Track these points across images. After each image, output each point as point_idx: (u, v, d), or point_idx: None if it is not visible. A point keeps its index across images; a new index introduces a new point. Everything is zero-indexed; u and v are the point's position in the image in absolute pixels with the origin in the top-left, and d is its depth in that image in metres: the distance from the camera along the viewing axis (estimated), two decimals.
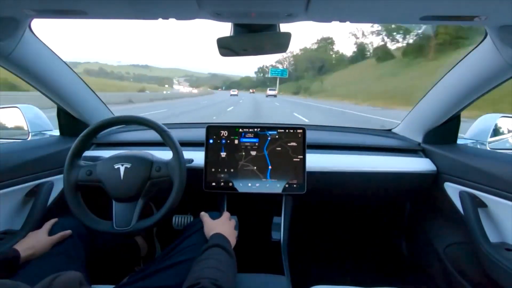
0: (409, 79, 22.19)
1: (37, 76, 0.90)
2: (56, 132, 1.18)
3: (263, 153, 1.01)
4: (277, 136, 1.02)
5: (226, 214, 0.85)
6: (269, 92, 37.64)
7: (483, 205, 0.87)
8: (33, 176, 0.91)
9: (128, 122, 0.92)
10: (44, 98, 1.00)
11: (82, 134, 0.86)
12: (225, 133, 1.02)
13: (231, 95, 40.67)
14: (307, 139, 1.02)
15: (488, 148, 1.12)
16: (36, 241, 0.73)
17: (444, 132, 1.09)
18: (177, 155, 0.84)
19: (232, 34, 0.72)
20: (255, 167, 1.01)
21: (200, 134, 1.05)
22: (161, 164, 0.86)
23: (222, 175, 1.01)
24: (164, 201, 0.84)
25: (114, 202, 0.85)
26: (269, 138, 1.02)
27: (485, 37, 0.76)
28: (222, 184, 1.01)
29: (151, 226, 0.83)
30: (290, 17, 0.62)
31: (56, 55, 0.93)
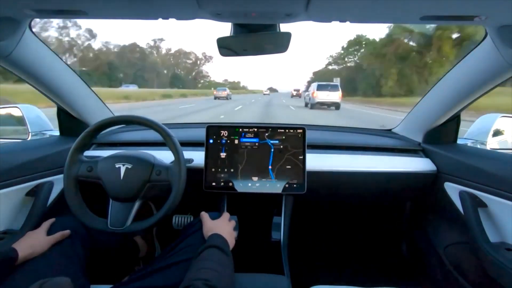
0: None
1: (37, 76, 0.90)
2: (56, 132, 1.18)
3: (263, 153, 1.01)
4: (277, 136, 1.02)
5: (225, 215, 0.85)
6: (265, 92, 51.95)
7: (483, 205, 0.87)
8: (33, 176, 0.91)
9: (132, 122, 0.91)
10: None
11: (86, 130, 0.85)
12: (225, 133, 1.02)
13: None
14: (307, 139, 1.02)
15: (488, 148, 1.12)
16: (34, 241, 0.73)
17: (444, 132, 1.09)
18: (178, 160, 0.84)
19: (232, 34, 0.72)
20: (255, 167, 1.01)
21: (200, 134, 1.05)
22: (161, 168, 0.85)
23: (222, 175, 1.01)
24: (164, 202, 0.83)
25: (111, 201, 0.84)
26: (269, 138, 1.02)
27: (485, 37, 0.76)
28: (222, 184, 1.01)
29: (145, 229, 0.83)
30: (290, 17, 0.62)
31: (56, 55, 0.93)
